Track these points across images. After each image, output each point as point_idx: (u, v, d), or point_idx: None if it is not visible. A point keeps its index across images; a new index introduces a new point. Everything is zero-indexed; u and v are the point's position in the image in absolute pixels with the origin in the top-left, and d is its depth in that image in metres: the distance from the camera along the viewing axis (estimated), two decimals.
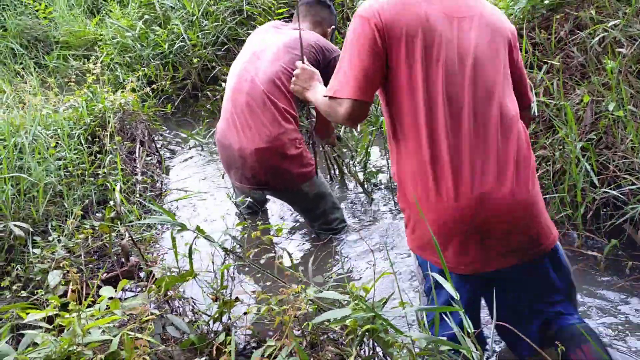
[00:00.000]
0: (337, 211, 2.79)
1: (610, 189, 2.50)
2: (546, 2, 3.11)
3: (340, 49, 1.84)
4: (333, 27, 2.87)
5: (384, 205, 3.15)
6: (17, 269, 2.23)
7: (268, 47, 2.63)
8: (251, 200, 2.43)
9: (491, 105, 1.62)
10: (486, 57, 1.63)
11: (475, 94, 1.60)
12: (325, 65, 2.59)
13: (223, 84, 4.22)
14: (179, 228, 1.91)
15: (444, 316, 1.38)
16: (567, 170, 2.59)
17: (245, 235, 2.03)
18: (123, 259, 2.29)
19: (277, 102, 2.51)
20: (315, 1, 2.82)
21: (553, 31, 2.91)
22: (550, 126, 2.84)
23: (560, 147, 2.67)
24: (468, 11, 1.66)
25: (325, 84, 2.26)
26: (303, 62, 2.08)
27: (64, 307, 1.72)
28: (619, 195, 2.47)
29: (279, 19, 4.03)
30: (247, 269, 2.35)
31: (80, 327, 1.49)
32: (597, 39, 2.71)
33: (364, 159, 3.31)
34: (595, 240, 2.56)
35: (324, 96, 1.75)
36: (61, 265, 2.06)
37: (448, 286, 1.21)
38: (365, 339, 1.48)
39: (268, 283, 2.31)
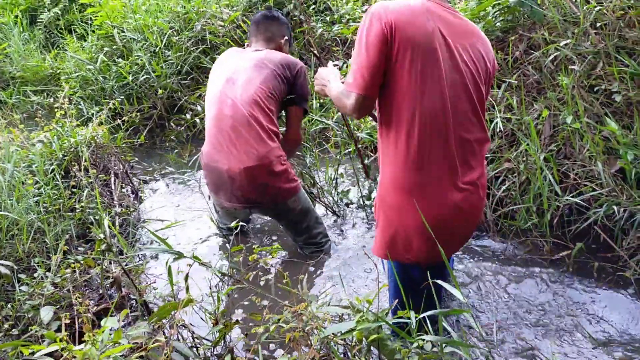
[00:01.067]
0: (320, 226, 2.90)
1: (572, 196, 2.68)
2: (498, 24, 3.33)
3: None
4: (286, 37, 2.96)
5: (358, 223, 3.26)
6: (9, 307, 2.21)
7: (240, 71, 2.73)
8: (244, 224, 2.50)
9: (469, 127, 1.82)
10: (471, 85, 1.80)
11: (457, 117, 1.78)
12: (294, 77, 2.76)
13: (190, 112, 4.31)
14: (176, 256, 1.97)
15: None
16: (531, 180, 2.77)
17: (241, 259, 2.09)
18: (115, 291, 2.31)
19: (261, 121, 2.61)
20: (262, 18, 2.93)
21: (510, 52, 3.11)
22: (512, 140, 3.02)
23: (524, 159, 2.84)
24: (465, 39, 1.81)
25: (296, 93, 2.73)
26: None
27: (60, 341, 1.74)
28: (581, 202, 2.66)
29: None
30: (241, 291, 2.40)
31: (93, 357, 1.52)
32: (550, 57, 2.92)
33: (335, 181, 3.42)
34: (562, 244, 2.73)
35: (344, 87, 1.90)
36: (72, 297, 2.07)
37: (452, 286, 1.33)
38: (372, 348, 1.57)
39: (247, 303, 2.36)
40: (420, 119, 1.75)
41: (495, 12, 3.31)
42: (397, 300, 1.82)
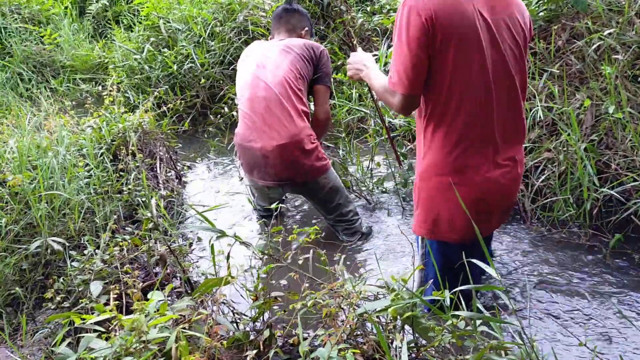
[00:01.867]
0: (351, 204, 2.99)
1: (613, 186, 2.66)
2: (541, 14, 3.30)
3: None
4: (306, 28, 3.08)
5: (392, 209, 3.30)
6: (61, 282, 2.34)
7: (269, 56, 2.88)
8: (282, 205, 2.58)
9: (509, 104, 1.84)
10: (511, 61, 1.80)
11: (499, 97, 1.80)
12: (318, 58, 2.91)
13: (230, 101, 4.41)
14: (218, 234, 2.05)
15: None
16: (570, 171, 2.75)
17: (280, 239, 2.16)
18: (160, 269, 2.41)
19: (293, 101, 2.75)
20: (282, 11, 3.07)
21: (552, 41, 3.09)
22: (552, 130, 3.00)
23: (564, 149, 2.83)
24: (503, 12, 1.78)
25: (320, 72, 2.86)
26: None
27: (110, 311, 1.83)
28: (617, 195, 2.63)
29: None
30: (279, 270, 2.48)
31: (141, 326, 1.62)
32: (593, 47, 2.89)
33: (370, 170, 3.47)
34: (601, 235, 2.71)
35: (387, 83, 1.88)
36: (119, 273, 2.17)
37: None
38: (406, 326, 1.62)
39: (285, 282, 2.43)
40: (465, 107, 1.76)
41: (538, 1, 3.28)
42: (431, 280, 1.86)
